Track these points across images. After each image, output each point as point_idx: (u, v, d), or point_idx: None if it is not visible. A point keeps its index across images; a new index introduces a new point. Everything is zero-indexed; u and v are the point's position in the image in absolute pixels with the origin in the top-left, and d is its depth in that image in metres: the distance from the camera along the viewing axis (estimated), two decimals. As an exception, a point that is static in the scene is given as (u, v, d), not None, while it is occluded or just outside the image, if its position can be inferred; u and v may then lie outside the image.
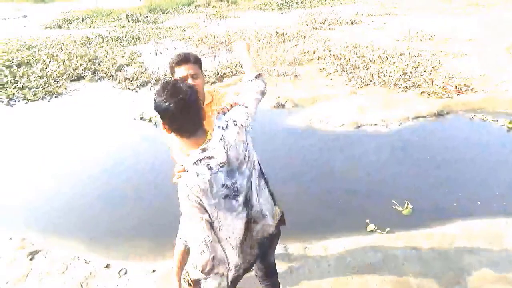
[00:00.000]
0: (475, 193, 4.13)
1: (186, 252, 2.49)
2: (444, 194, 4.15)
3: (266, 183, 2.06)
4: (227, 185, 1.70)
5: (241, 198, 1.78)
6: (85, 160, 5.15)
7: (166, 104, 1.59)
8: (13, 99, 7.56)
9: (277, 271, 2.47)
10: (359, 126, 5.77)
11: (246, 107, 1.90)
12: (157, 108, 1.64)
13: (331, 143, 5.37)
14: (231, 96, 2.36)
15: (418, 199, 4.06)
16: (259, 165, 2.02)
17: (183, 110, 1.60)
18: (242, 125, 1.81)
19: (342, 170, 4.70)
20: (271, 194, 2.07)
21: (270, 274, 2.38)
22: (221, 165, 1.67)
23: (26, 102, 7.42)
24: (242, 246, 1.85)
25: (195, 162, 1.63)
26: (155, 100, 1.64)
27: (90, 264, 3.29)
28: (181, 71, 2.10)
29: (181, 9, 20.45)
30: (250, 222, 1.86)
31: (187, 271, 1.91)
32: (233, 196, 1.73)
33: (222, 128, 1.75)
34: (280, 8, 18.87)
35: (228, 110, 1.86)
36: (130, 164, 4.96)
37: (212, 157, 1.66)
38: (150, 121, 6.20)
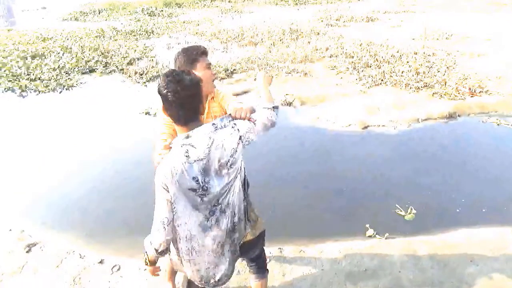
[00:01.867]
0: (482, 200, 4.00)
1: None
2: (449, 200, 4.03)
3: (245, 197, 2.00)
4: (197, 180, 1.72)
5: (207, 199, 1.77)
6: (86, 156, 5.15)
7: (166, 90, 1.66)
8: (25, 90, 7.67)
9: (268, 268, 2.51)
10: (366, 127, 5.66)
11: (254, 123, 1.90)
12: (159, 92, 1.70)
13: (336, 143, 5.28)
14: (231, 97, 2.35)
15: (423, 204, 3.95)
16: (245, 179, 1.98)
17: (182, 99, 1.67)
18: (240, 134, 1.81)
19: (345, 171, 4.61)
20: (246, 210, 2.01)
21: (252, 262, 2.40)
22: (199, 158, 1.70)
23: (37, 94, 7.53)
24: (195, 244, 1.85)
25: (176, 146, 1.71)
26: (158, 84, 1.71)
27: (85, 259, 3.30)
28: (206, 60, 2.18)
29: (197, 3, 20.44)
30: (210, 226, 1.83)
31: (146, 251, 1.92)
32: (200, 193, 1.75)
33: (218, 127, 1.77)
34: (296, 4, 18.68)
35: (241, 118, 1.89)
36: (130, 161, 4.93)
37: (193, 147, 1.69)
38: (155, 116, 6.20)
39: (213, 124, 1.76)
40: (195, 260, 1.90)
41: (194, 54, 2.14)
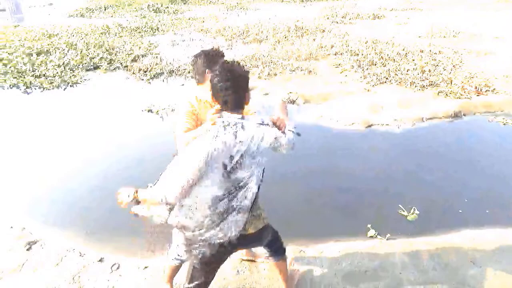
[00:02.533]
0: (485, 200, 3.95)
1: (174, 269, 2.65)
2: (453, 201, 3.98)
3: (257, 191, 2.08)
4: (232, 159, 1.87)
5: (231, 179, 1.90)
6: (87, 153, 5.15)
7: (220, 77, 1.85)
8: (30, 87, 7.70)
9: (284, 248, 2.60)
10: (370, 126, 5.61)
11: (282, 135, 2.03)
12: (217, 78, 1.86)
13: (339, 142, 5.24)
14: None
15: (426, 204, 3.90)
16: (261, 178, 2.09)
17: (233, 87, 1.86)
18: (274, 135, 1.97)
19: (347, 171, 4.57)
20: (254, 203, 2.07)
21: (266, 248, 2.51)
22: (242, 141, 1.88)
23: (42, 90, 7.55)
24: (202, 207, 1.93)
25: (230, 121, 1.89)
26: (217, 71, 1.87)
27: (84, 257, 3.30)
28: None
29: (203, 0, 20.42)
30: (223, 202, 1.93)
31: (148, 195, 1.93)
32: (228, 171, 1.88)
33: (262, 123, 1.96)
34: (302, 1, 18.59)
35: (279, 127, 2.04)
36: (131, 159, 4.90)
37: (243, 129, 1.88)
38: (157, 113, 6.19)
39: (261, 119, 1.98)
40: (194, 216, 1.95)
41: (214, 56, 2.28)
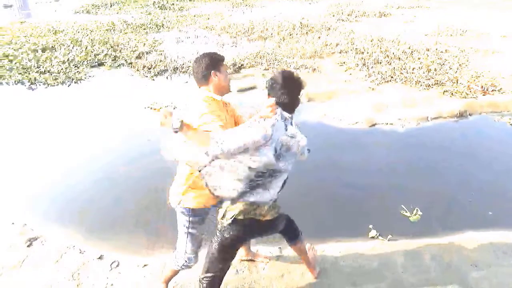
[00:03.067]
0: (489, 202, 3.90)
1: (175, 272, 2.69)
2: (457, 202, 3.94)
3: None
4: (281, 147, 2.11)
5: (277, 162, 2.08)
6: (89, 151, 5.14)
7: (282, 83, 2.16)
8: (35, 83, 7.72)
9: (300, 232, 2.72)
10: (374, 125, 5.56)
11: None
12: (283, 82, 2.17)
13: (342, 141, 5.21)
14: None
15: (429, 205, 3.86)
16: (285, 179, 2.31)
17: (291, 90, 2.19)
18: (302, 144, 2.20)
19: (350, 170, 4.54)
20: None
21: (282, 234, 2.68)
22: (288, 135, 2.14)
23: (46, 87, 7.56)
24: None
25: (284, 115, 2.18)
26: (284, 76, 2.18)
27: (84, 254, 3.30)
28: (225, 65, 2.46)
29: (209, -4, 20.37)
30: (256, 180, 2.10)
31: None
32: (277, 155, 2.08)
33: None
34: (308, -2, 18.48)
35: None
36: (132, 157, 4.90)
37: (291, 126, 2.18)
38: (159, 111, 6.18)
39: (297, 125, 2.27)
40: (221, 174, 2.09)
41: (217, 58, 2.38)
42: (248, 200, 2.16)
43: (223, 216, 2.25)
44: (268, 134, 2.03)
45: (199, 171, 2.10)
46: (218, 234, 2.30)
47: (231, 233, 2.25)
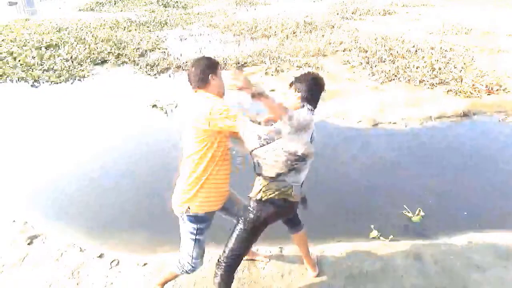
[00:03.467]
0: (492, 204, 3.86)
1: (175, 276, 2.69)
2: (460, 203, 3.90)
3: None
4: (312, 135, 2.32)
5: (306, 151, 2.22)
6: (90, 149, 5.15)
7: (310, 84, 2.37)
8: (38, 81, 7.74)
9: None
10: (376, 124, 5.52)
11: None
12: (309, 82, 2.38)
13: (345, 140, 5.17)
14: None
15: (432, 206, 3.83)
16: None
17: (314, 89, 2.39)
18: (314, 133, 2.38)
19: (352, 169, 4.51)
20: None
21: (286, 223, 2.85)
22: (312, 128, 2.32)
23: (50, 84, 7.59)
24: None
25: (310, 109, 2.36)
26: (309, 77, 2.40)
27: (84, 253, 3.30)
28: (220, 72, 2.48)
29: (213, -6, 20.34)
30: (290, 165, 2.25)
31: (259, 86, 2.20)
32: (311, 139, 2.29)
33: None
34: (313, -4, 18.41)
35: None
36: (133, 156, 4.90)
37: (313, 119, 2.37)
38: (162, 109, 6.17)
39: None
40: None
41: (214, 62, 2.43)
42: (284, 180, 2.30)
43: (258, 195, 2.37)
44: (308, 121, 2.24)
45: (250, 152, 2.29)
46: (249, 214, 2.40)
47: (266, 211, 2.38)
